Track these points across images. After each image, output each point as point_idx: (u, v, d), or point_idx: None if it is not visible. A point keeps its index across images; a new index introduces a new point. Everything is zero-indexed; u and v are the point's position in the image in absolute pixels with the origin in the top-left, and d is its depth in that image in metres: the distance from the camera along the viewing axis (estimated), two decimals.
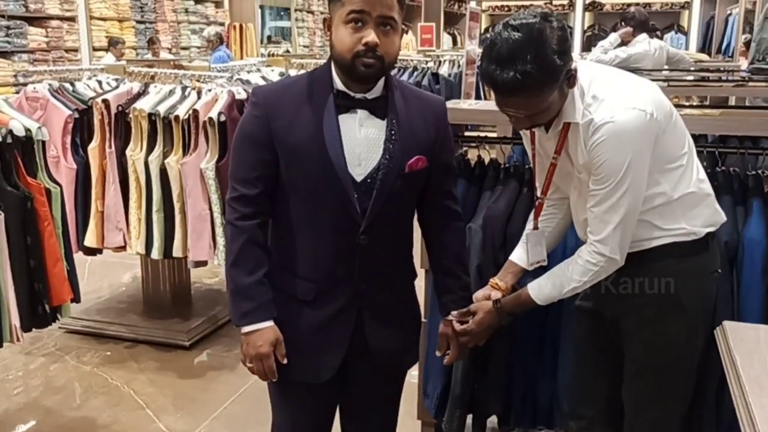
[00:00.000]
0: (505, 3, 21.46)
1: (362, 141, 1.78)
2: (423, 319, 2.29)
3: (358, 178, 1.78)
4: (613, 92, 1.78)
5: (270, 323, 1.83)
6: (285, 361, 1.85)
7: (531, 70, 1.65)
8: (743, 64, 6.84)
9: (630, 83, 1.84)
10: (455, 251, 2.00)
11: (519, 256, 2.09)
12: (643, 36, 5.40)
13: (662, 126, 1.78)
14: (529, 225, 2.09)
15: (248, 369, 1.87)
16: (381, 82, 1.79)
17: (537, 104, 1.73)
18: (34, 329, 2.86)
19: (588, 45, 15.78)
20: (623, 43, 5.57)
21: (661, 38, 13.86)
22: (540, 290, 1.95)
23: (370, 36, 1.67)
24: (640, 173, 1.77)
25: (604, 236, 1.82)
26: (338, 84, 1.78)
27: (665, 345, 1.94)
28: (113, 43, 8.92)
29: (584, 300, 2.09)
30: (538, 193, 2.06)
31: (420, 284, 2.08)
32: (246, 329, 1.83)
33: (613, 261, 1.84)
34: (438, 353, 2.08)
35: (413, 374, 2.38)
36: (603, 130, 1.74)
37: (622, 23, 5.52)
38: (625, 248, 1.84)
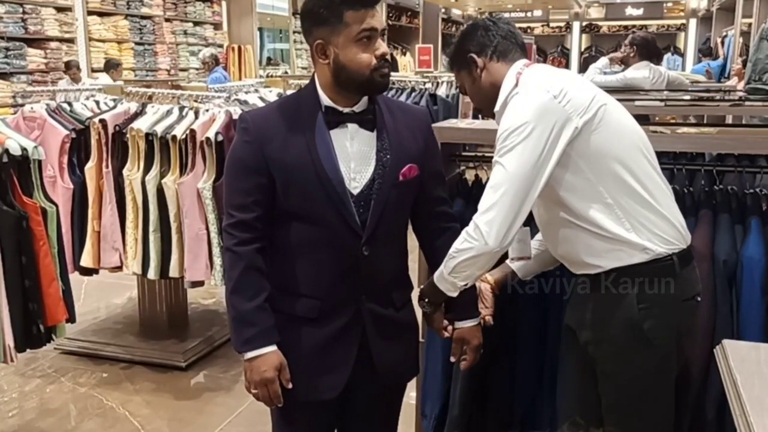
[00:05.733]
0: None
1: (355, 154, 1.81)
2: (421, 339, 2.28)
3: (355, 192, 1.80)
4: (534, 80, 1.86)
5: (273, 348, 1.82)
6: (290, 386, 1.83)
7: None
8: (739, 84, 6.86)
9: (559, 75, 1.89)
10: None
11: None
12: (645, 63, 5.39)
13: (569, 114, 1.77)
14: None
15: (253, 395, 1.86)
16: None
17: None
18: (28, 350, 2.83)
19: (585, 66, 15.90)
20: (623, 62, 5.56)
21: (659, 60, 14.05)
22: (438, 269, 1.90)
23: (384, 47, 1.77)
24: (533, 149, 1.75)
25: (485, 206, 1.78)
26: (325, 100, 1.81)
27: (633, 380, 1.88)
28: (112, 66, 8.95)
29: (569, 321, 2.07)
30: None
31: (417, 304, 2.07)
32: (249, 355, 1.81)
33: (480, 236, 1.76)
34: (452, 359, 2.06)
35: (411, 395, 2.35)
36: (509, 103, 1.84)
37: (627, 46, 5.49)
38: (502, 232, 1.75)
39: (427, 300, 1.97)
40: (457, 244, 1.82)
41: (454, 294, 1.91)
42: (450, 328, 2.00)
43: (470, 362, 2.02)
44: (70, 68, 8.27)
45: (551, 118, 1.77)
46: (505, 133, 1.79)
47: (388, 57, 1.78)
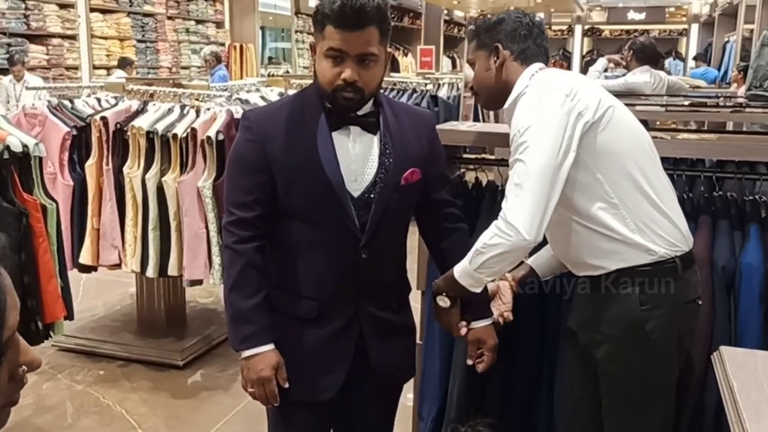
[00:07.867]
0: None
1: (357, 157, 1.81)
2: (418, 341, 2.28)
3: (356, 194, 1.80)
4: (545, 81, 1.89)
5: (271, 346, 1.82)
6: (286, 385, 1.83)
7: None
8: (738, 90, 6.86)
9: (569, 76, 1.92)
10: (464, 253, 1.98)
11: None
12: (646, 67, 5.39)
13: (580, 110, 1.79)
14: None
15: (249, 394, 1.86)
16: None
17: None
18: None
19: (586, 69, 15.91)
20: (625, 66, 5.56)
21: (662, 65, 14.31)
22: (460, 264, 1.87)
23: (347, 73, 1.72)
24: (553, 143, 1.75)
25: (513, 202, 1.76)
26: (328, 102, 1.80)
27: (633, 379, 1.89)
28: (128, 63, 8.99)
29: (570, 323, 2.07)
30: None
31: (416, 305, 2.07)
32: (246, 354, 1.81)
33: (515, 231, 1.73)
34: (469, 362, 2.04)
35: (408, 397, 2.35)
36: (519, 102, 1.86)
37: (627, 49, 5.50)
38: (535, 224, 1.73)
39: (445, 294, 1.94)
40: (486, 239, 1.78)
41: (478, 290, 1.89)
42: (464, 329, 1.99)
43: (488, 363, 2.01)
44: (14, 64, 7.80)
45: (565, 113, 1.78)
46: (521, 130, 1.79)
47: (358, 83, 1.72)
